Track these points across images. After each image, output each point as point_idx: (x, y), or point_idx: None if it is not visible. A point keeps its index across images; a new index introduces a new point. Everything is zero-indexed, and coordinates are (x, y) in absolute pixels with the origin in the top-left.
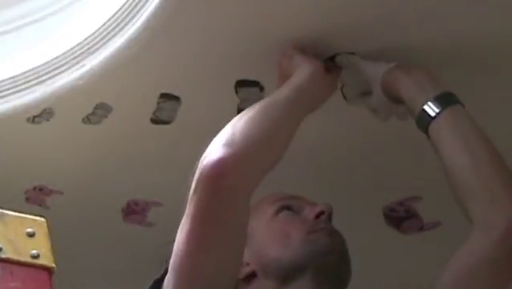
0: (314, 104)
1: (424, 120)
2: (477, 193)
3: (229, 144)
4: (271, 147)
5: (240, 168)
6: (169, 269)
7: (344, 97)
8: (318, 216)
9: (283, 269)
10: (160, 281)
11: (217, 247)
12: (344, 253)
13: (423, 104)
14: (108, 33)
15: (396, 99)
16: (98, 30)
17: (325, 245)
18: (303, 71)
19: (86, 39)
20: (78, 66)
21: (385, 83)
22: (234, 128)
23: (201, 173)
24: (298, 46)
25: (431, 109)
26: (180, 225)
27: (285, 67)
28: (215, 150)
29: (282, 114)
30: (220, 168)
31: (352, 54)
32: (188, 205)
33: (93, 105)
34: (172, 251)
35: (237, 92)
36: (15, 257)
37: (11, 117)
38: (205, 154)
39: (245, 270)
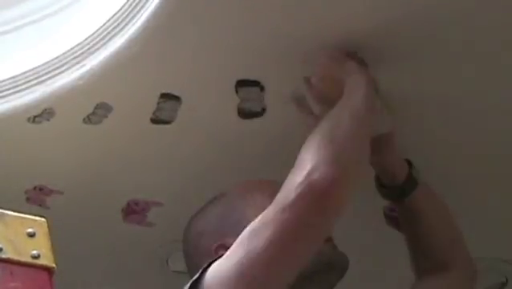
0: None
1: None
2: (460, 242)
3: (335, 162)
4: (366, 162)
5: (347, 188)
6: (232, 270)
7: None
8: None
9: None
10: (196, 282)
11: (295, 260)
12: (345, 270)
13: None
14: (108, 33)
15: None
16: (98, 30)
17: (334, 258)
18: (363, 80)
19: (86, 39)
20: (78, 66)
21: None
22: (335, 144)
23: (309, 189)
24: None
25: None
26: (256, 231)
27: (334, 71)
28: (323, 167)
29: (368, 129)
30: (332, 187)
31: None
32: (274, 213)
33: (93, 105)
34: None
35: (237, 92)
36: (15, 257)
37: (11, 117)
38: (308, 168)
39: None
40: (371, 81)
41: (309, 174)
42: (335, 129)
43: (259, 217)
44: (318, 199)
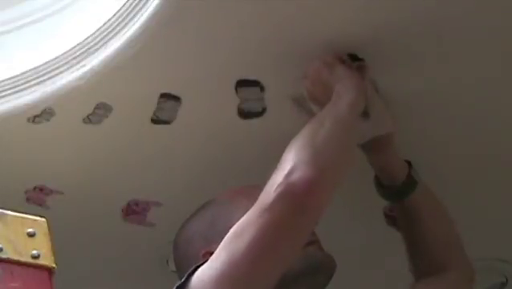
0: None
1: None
2: (458, 244)
3: (314, 163)
4: (348, 166)
5: (326, 190)
6: (216, 272)
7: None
8: None
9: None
10: (183, 286)
11: (278, 261)
12: (332, 271)
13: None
14: (108, 33)
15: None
16: (98, 30)
17: (320, 260)
18: (351, 86)
19: (86, 39)
20: (78, 66)
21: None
22: (315, 146)
23: (287, 190)
24: (338, 54)
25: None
26: (239, 233)
27: (324, 76)
28: (301, 168)
29: (351, 134)
30: (310, 187)
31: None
32: (256, 214)
33: (93, 105)
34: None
35: (237, 92)
36: (16, 257)
37: (11, 117)
38: (288, 170)
39: None
40: (360, 86)
41: (288, 175)
42: (316, 133)
43: (242, 219)
44: (296, 199)
